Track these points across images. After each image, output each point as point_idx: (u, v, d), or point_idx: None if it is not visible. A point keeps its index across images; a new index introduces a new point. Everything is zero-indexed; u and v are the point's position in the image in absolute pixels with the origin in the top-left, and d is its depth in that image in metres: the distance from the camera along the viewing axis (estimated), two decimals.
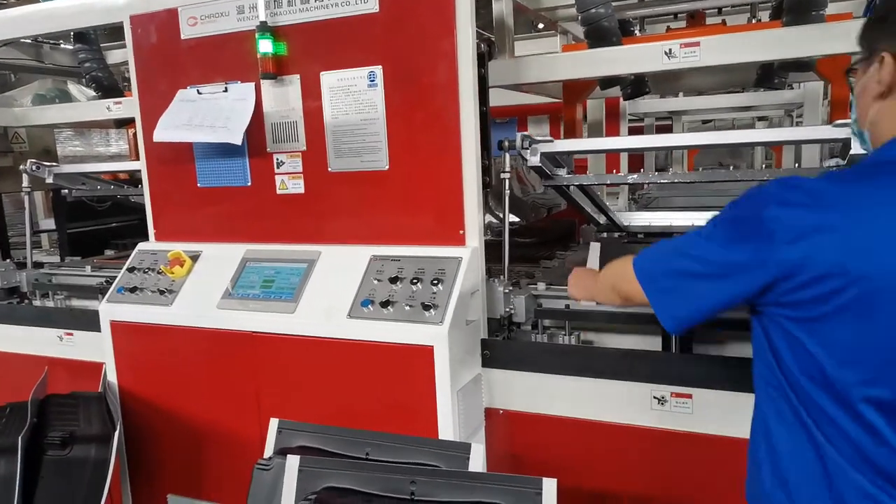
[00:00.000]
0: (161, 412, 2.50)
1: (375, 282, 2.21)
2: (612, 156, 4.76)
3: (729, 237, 1.16)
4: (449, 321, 2.05)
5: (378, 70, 2.24)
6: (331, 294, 2.25)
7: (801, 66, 2.48)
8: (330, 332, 2.19)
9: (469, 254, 2.18)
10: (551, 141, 2.49)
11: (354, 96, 2.29)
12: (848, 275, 1.03)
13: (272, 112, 2.44)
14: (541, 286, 2.47)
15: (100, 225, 4.29)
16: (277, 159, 2.46)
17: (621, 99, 4.67)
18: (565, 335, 2.38)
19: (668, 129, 7.16)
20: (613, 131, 4.74)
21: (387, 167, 2.28)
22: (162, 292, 2.50)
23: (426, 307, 2.08)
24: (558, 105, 4.53)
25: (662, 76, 3.31)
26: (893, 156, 1.10)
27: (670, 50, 2.25)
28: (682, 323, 1.27)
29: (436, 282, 2.13)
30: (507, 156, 2.46)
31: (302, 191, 2.43)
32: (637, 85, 3.11)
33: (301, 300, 2.28)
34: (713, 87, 3.70)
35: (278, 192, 2.47)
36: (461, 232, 2.22)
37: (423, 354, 2.06)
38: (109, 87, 3.61)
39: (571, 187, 2.95)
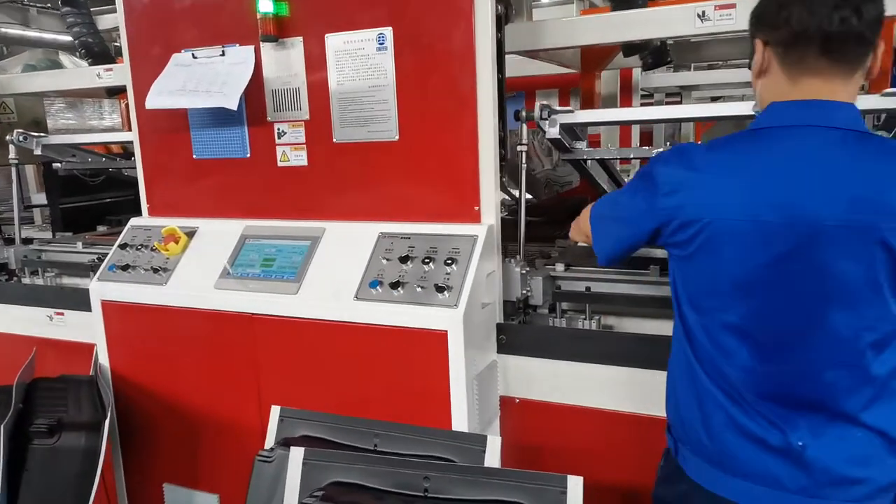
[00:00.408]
0: (156, 397, 2.37)
1: (384, 261, 2.06)
2: (623, 131, 4.60)
3: (635, 189, 1.42)
4: (464, 304, 1.90)
5: (388, 32, 2.07)
6: (336, 274, 2.10)
7: None
8: (335, 315, 2.05)
9: (485, 232, 2.03)
10: (572, 111, 2.32)
11: (362, 61, 2.12)
12: (702, 221, 1.27)
13: (273, 78, 2.27)
14: (559, 267, 2.32)
15: (94, 200, 4.11)
16: (278, 129, 2.29)
17: (634, 71, 4.49)
18: (585, 319, 2.24)
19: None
20: (626, 105, 4.55)
21: (396, 138, 2.12)
22: (156, 270, 2.35)
23: (439, 289, 1.93)
24: (570, 77, 4.34)
25: (684, 45, 3.14)
26: (757, 124, 1.30)
27: (703, 12, 2.07)
28: (606, 256, 1.54)
29: (449, 261, 1.98)
30: (524, 127, 2.29)
31: (305, 163, 2.27)
32: (658, 54, 2.94)
33: (304, 280, 2.13)
34: (737, 56, 3.53)
35: (279, 164, 2.31)
36: (476, 208, 2.06)
37: (437, 340, 1.92)
38: (100, 53, 3.42)
39: (589, 162, 2.79)
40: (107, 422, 2.02)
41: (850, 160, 1.20)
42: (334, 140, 2.21)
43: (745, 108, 2.03)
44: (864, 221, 1.16)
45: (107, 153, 4.23)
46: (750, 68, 1.38)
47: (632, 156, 2.43)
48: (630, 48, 2.67)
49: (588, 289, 2.24)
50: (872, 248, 1.17)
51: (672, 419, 1.50)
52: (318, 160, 2.25)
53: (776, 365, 1.28)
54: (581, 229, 1.72)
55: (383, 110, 2.12)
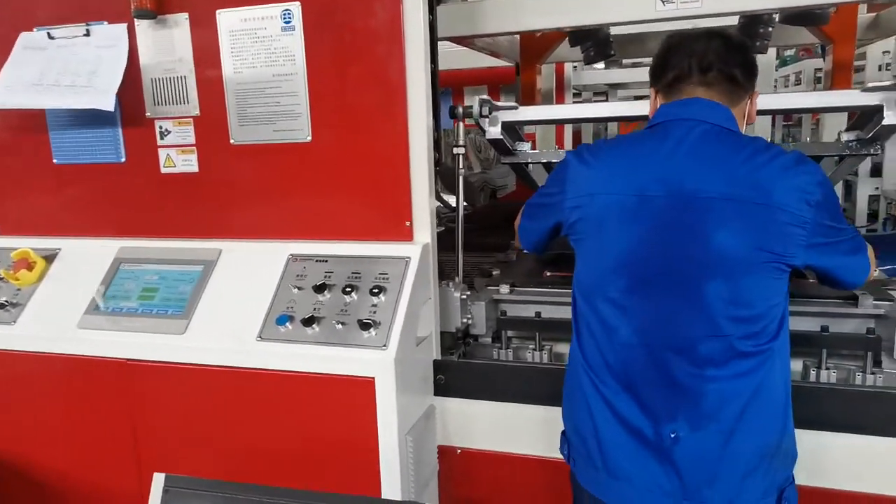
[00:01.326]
0: (5, 466, 1.89)
1: (295, 290, 1.68)
2: (556, 130, 4.35)
3: (552, 180, 1.53)
4: (395, 344, 1.55)
5: (295, 8, 1.69)
6: (235, 308, 1.71)
7: (813, 19, 2.09)
8: (234, 360, 1.66)
9: (419, 252, 1.69)
10: (516, 107, 2.01)
11: (264, 43, 1.73)
12: (591, 206, 1.39)
13: (151, 64, 1.85)
14: (503, 289, 2.01)
15: None
16: (161, 127, 1.88)
17: (566, 66, 4.26)
18: (534, 349, 1.93)
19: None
20: (559, 103, 4.31)
21: (309, 138, 1.75)
22: (3, 306, 1.87)
23: (364, 325, 1.57)
24: (500, 72, 4.05)
25: (628, 37, 2.90)
26: (650, 123, 1.44)
27: None
28: (528, 244, 1.66)
29: (376, 290, 1.62)
30: (461, 126, 1.96)
31: (195, 169, 1.87)
32: (602, 46, 2.67)
33: (194, 316, 1.72)
34: None
35: (163, 170, 1.89)
36: (408, 223, 1.72)
37: (361, 388, 1.56)
38: None
39: (531, 165, 2.49)
40: None
41: (727, 148, 1.32)
42: (232, 141, 1.82)
43: None
44: (740, 196, 1.27)
45: None
46: None
47: None
48: (578, 37, 2.39)
49: (538, 314, 1.93)
50: (747, 222, 1.27)
51: (566, 423, 1.52)
52: (212, 166, 1.86)
53: (654, 339, 1.33)
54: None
55: (292, 105, 1.74)
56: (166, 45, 1.83)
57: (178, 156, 1.88)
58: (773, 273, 1.29)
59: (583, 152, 1.45)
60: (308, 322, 1.61)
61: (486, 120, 1.99)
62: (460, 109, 1.95)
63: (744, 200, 1.27)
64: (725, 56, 1.36)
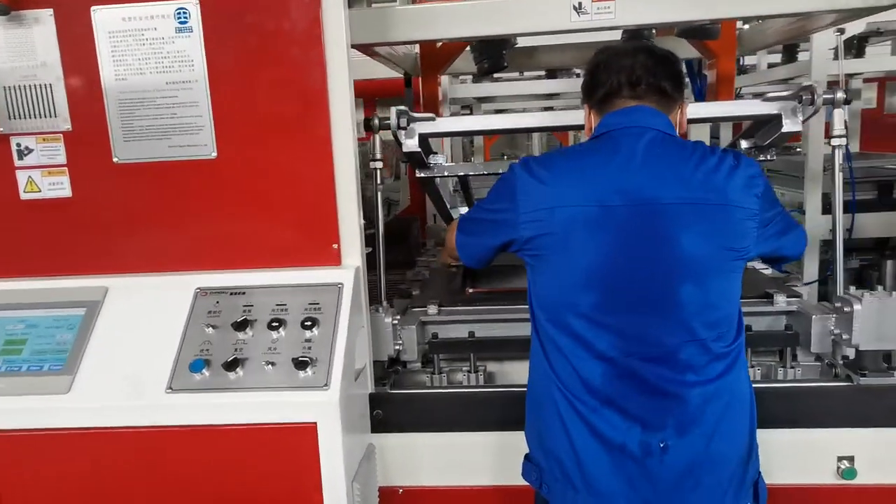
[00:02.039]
0: None
1: (210, 330, 1.46)
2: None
3: (498, 194, 1.46)
4: (338, 382, 1.38)
5: (192, 6, 1.47)
6: (134, 356, 1.45)
7: (707, 34, 2.20)
8: (138, 418, 1.40)
9: (352, 277, 1.52)
10: (433, 119, 1.90)
11: (154, 46, 1.50)
12: (552, 220, 1.33)
13: (4, 69, 1.55)
14: (431, 310, 1.89)
15: None
16: (19, 145, 1.58)
17: (443, 79, 4.24)
18: (468, 371, 1.83)
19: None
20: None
21: (214, 154, 1.53)
22: None
23: (300, 364, 1.38)
24: (377, 84, 3.93)
25: (520, 50, 2.91)
26: (595, 133, 1.44)
27: (580, 4, 1.79)
28: (472, 259, 1.56)
29: (309, 323, 1.44)
30: (378, 139, 1.83)
31: (67, 193, 1.59)
32: (496, 59, 2.64)
33: (80, 370, 1.43)
34: (570, 64, 3.41)
35: (23, 196, 1.59)
36: (335, 246, 1.55)
37: (301, 436, 1.38)
38: None
39: (438, 180, 2.39)
40: None
41: (676, 154, 1.35)
42: (115, 159, 1.55)
43: None
44: (698, 199, 1.30)
45: None
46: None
47: (500, 170, 2.07)
48: (484, 47, 2.33)
49: (472, 334, 1.83)
50: (709, 224, 1.30)
51: (535, 448, 1.45)
52: (90, 189, 1.58)
53: (632, 349, 1.31)
54: (447, 242, 1.73)
55: (192, 116, 1.51)
56: (24, 47, 1.52)
57: (43, 178, 1.57)
58: (736, 271, 1.34)
59: (531, 165, 1.40)
60: (230, 366, 1.38)
61: (403, 132, 1.87)
62: (377, 121, 1.82)
63: (702, 203, 1.30)
64: (653, 69, 1.39)
